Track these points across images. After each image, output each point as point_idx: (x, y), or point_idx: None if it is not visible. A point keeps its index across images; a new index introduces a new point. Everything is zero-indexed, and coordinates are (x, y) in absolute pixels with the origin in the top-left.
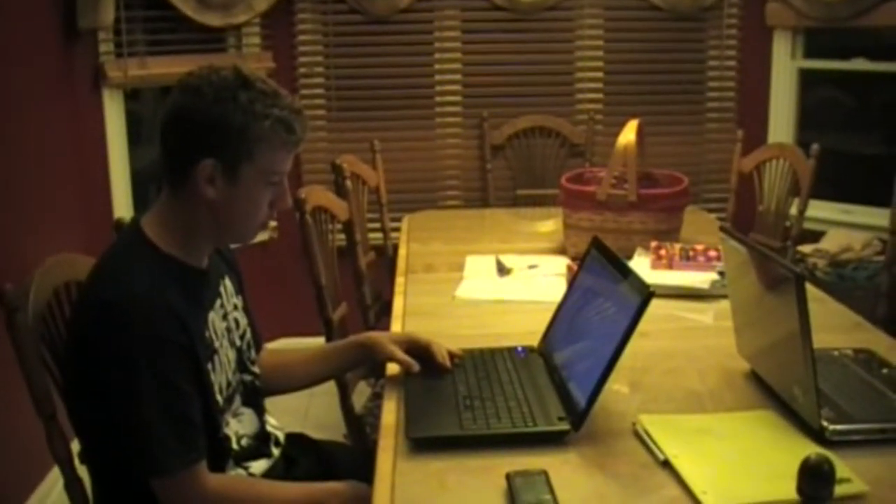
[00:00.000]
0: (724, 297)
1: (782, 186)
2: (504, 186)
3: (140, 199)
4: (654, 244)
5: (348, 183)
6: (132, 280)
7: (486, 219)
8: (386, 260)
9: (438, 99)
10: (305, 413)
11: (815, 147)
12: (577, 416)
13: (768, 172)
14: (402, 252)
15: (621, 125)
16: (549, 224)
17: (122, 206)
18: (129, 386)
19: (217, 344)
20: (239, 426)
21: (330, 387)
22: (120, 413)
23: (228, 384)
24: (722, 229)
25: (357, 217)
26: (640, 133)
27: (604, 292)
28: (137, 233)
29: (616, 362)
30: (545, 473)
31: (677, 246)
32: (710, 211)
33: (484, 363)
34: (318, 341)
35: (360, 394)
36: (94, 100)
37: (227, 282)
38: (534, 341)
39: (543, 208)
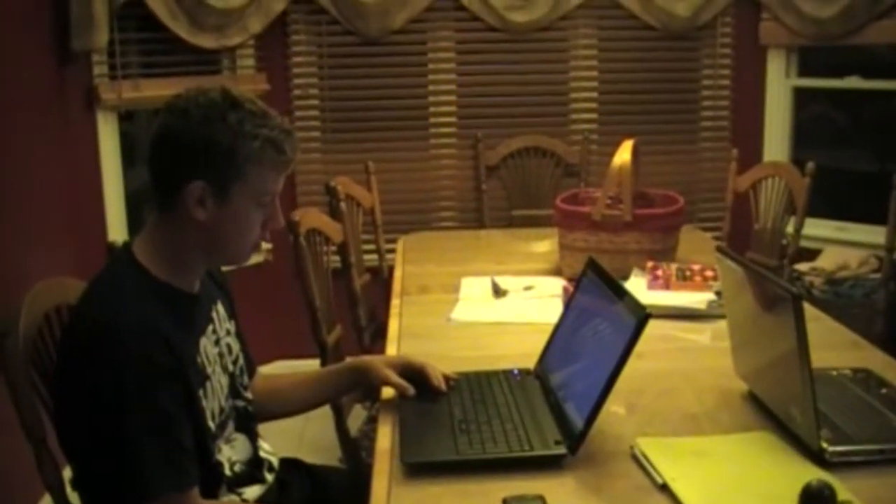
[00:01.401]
0: (721, 317)
1: (778, 204)
2: (499, 207)
3: (135, 221)
4: (650, 264)
5: (343, 205)
6: (122, 304)
7: (482, 240)
8: (381, 281)
9: (433, 120)
10: (301, 436)
11: (810, 165)
12: (574, 439)
13: (764, 191)
14: (397, 274)
15: (616, 145)
16: (545, 245)
17: (117, 228)
18: (118, 411)
19: (209, 370)
20: (232, 452)
21: (325, 410)
22: (109, 438)
23: (221, 410)
24: (718, 249)
25: (352, 239)
26: (636, 153)
27: (600, 313)
28: (128, 257)
29: (613, 385)
30: (542, 499)
31: (673, 266)
32: (706, 230)
33: (479, 386)
34: (313, 364)
35: (356, 417)
36: (87, 121)
37: (220, 306)
38: (530, 363)
39: (539, 229)
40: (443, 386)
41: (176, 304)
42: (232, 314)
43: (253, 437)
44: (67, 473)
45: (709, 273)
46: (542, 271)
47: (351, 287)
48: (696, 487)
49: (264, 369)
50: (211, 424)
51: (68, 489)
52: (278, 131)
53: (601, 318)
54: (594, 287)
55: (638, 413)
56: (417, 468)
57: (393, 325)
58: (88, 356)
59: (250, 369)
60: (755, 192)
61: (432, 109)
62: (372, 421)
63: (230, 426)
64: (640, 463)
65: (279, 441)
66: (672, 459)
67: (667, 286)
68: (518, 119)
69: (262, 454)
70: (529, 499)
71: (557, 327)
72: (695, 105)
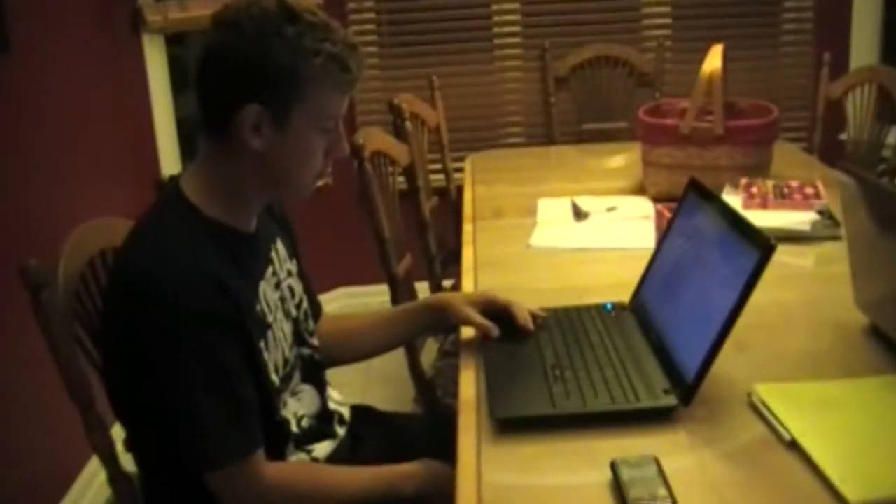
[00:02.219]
0: (828, 238)
1: (876, 114)
2: (569, 121)
3: (189, 151)
4: (743, 181)
5: (408, 125)
6: (172, 248)
7: (554, 157)
8: (449, 204)
9: (496, 30)
10: (367, 371)
11: None
12: (686, 388)
13: (859, 98)
14: (467, 196)
15: (692, 52)
16: (621, 159)
17: (169, 159)
18: (173, 369)
19: (270, 317)
20: (298, 406)
21: None
22: (165, 401)
23: (285, 361)
24: (836, 165)
25: (419, 161)
26: (724, 60)
27: (709, 243)
28: (176, 194)
29: (731, 327)
30: (656, 461)
31: (769, 182)
32: (790, 141)
33: (571, 324)
34: (380, 289)
35: (428, 351)
36: (133, 46)
37: (280, 245)
38: (622, 296)
39: (613, 143)
40: (531, 325)
41: (232, 245)
42: (294, 252)
43: (322, 388)
44: (117, 431)
45: (809, 190)
46: (623, 190)
47: (420, 213)
48: (829, 445)
49: (326, 298)
50: (275, 378)
51: (120, 449)
52: (342, 46)
53: (711, 248)
54: (699, 211)
55: (749, 352)
56: (510, 424)
57: (467, 255)
58: (135, 310)
59: (315, 312)
60: (848, 99)
61: (496, 18)
62: (447, 356)
63: (296, 377)
64: (760, 413)
65: (343, 378)
66: (797, 410)
67: (764, 205)
68: (587, 27)
69: (331, 406)
70: (642, 462)
71: (655, 256)
72: (776, 6)
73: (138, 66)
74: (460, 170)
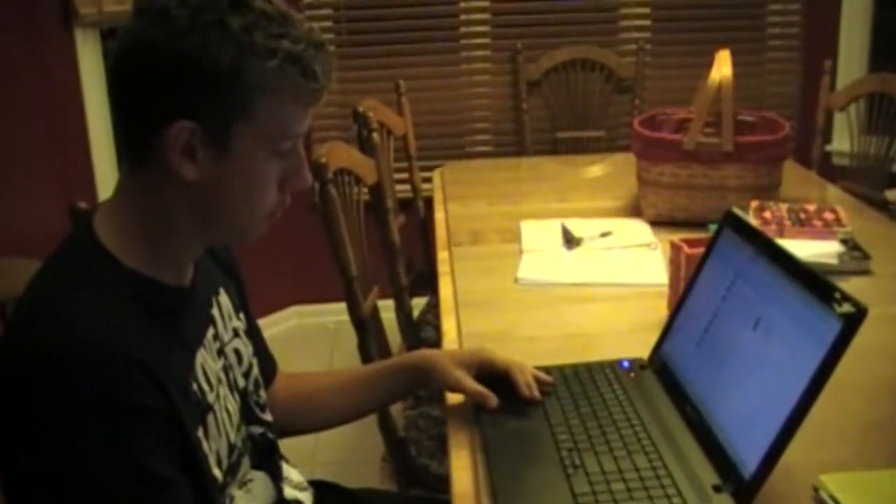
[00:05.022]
0: (858, 273)
1: (884, 126)
2: (542, 129)
3: None
4: (755, 204)
5: (375, 136)
6: (78, 315)
7: (530, 169)
8: (416, 218)
9: (464, 29)
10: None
11: None
12: (744, 486)
13: (864, 109)
14: (438, 216)
15: (673, 56)
16: (602, 173)
17: (105, 171)
18: (81, 480)
19: (211, 396)
20: (248, 499)
21: None
22: None
23: (231, 448)
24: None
25: (387, 178)
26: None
27: (764, 299)
28: (88, 237)
29: (805, 414)
30: None
31: (783, 206)
32: None
33: (583, 388)
34: (337, 308)
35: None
36: (63, 42)
37: (223, 297)
38: (636, 347)
39: (592, 155)
40: (537, 395)
41: (159, 305)
42: (242, 304)
43: (276, 474)
44: None
45: (828, 215)
46: (616, 211)
47: (389, 236)
48: None
49: (277, 317)
50: (217, 472)
51: None
52: (305, 44)
53: (767, 305)
54: (739, 252)
55: (803, 426)
56: None
57: (445, 292)
58: (30, 397)
59: (268, 376)
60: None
61: (463, 17)
62: (419, 402)
63: (244, 465)
64: None
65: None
66: None
67: (780, 232)
68: (562, 27)
69: (288, 493)
70: None
71: (683, 304)
72: (761, 9)
73: (69, 64)
74: (427, 180)
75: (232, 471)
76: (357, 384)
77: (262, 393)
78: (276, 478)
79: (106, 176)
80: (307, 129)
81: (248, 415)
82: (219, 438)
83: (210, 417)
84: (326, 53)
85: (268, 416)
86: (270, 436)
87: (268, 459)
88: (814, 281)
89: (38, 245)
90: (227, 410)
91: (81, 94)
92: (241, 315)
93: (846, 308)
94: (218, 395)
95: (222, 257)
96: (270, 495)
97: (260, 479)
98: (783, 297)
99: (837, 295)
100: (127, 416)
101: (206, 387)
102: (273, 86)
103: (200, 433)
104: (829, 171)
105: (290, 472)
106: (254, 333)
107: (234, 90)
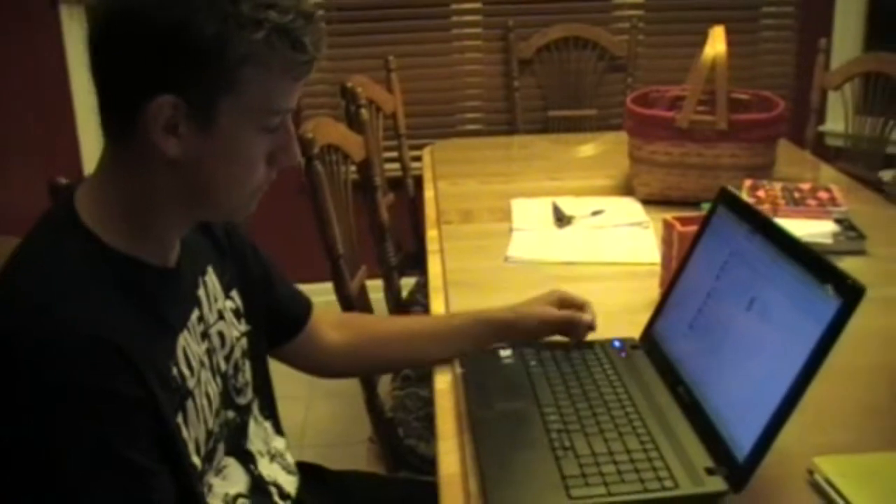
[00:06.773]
0: (852, 253)
1: (881, 107)
2: (533, 107)
3: None
4: (748, 183)
5: (364, 112)
6: (52, 296)
7: (521, 148)
8: (406, 197)
9: (455, 6)
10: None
11: None
12: (738, 469)
13: (859, 89)
14: (428, 194)
15: (667, 34)
16: (594, 152)
17: (92, 148)
18: (56, 471)
19: (192, 381)
20: (226, 485)
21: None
22: None
23: (209, 434)
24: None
25: (375, 155)
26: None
27: (759, 278)
28: (68, 214)
29: (801, 395)
30: None
31: (777, 185)
32: None
33: (573, 368)
34: (324, 287)
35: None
36: (49, 19)
37: (210, 277)
38: (628, 326)
39: (584, 133)
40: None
41: (141, 287)
42: (237, 282)
43: (246, 459)
44: None
45: (823, 195)
46: (607, 189)
47: (377, 216)
48: None
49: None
50: (196, 460)
51: None
52: (294, 15)
53: (763, 285)
54: (735, 232)
55: (799, 409)
56: None
57: (434, 270)
58: (4, 386)
59: (302, 315)
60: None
61: None
62: (407, 382)
63: (219, 451)
64: (826, 495)
65: (285, 391)
66: (870, 491)
67: (774, 212)
68: (554, 4)
69: (266, 474)
70: None
71: (675, 284)
72: None
73: (55, 41)
74: (417, 159)
75: (209, 457)
76: (437, 336)
77: (241, 376)
78: (247, 461)
79: (92, 153)
80: (296, 105)
81: (227, 399)
82: (198, 425)
83: (189, 403)
84: (316, 24)
85: (242, 400)
86: (242, 419)
87: (238, 444)
88: (810, 260)
89: (23, 223)
90: (207, 396)
91: (67, 72)
92: (234, 293)
93: (844, 287)
94: (199, 380)
95: (218, 234)
96: (245, 480)
97: (232, 464)
98: (779, 276)
99: (835, 274)
100: (101, 404)
101: (186, 371)
102: (260, 58)
103: (180, 419)
104: (822, 152)
105: (276, 442)
106: (275, 280)
107: (219, 63)
